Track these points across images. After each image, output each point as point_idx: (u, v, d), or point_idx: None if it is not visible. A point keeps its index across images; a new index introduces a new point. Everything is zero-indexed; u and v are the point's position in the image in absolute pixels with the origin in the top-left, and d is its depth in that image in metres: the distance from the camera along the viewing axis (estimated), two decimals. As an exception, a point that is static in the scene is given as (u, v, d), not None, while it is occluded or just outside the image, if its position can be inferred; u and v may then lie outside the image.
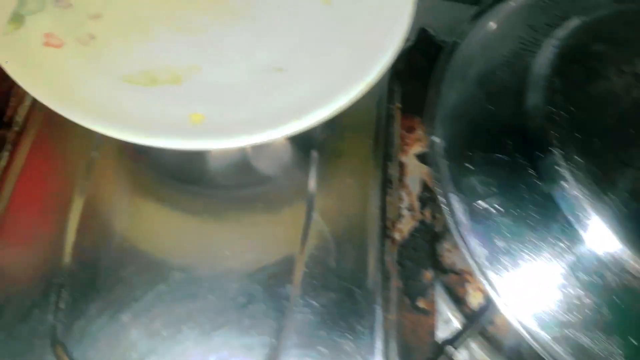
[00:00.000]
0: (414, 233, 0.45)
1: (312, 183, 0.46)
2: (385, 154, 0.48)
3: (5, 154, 0.43)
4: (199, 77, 0.40)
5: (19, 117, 0.45)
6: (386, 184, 0.47)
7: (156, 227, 0.43)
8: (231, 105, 0.39)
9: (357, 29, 0.43)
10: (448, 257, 0.44)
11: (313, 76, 0.41)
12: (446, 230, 0.42)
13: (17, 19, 0.39)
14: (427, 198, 0.47)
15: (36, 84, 0.37)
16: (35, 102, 0.44)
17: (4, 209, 0.41)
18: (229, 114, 0.39)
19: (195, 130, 0.37)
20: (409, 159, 0.49)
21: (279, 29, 0.42)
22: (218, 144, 0.36)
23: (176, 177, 0.45)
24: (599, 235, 0.33)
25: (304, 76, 0.41)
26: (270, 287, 0.41)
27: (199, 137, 0.36)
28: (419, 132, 0.50)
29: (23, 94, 0.45)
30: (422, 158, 0.49)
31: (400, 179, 0.47)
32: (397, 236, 0.45)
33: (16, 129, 0.44)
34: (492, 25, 0.43)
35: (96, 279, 0.40)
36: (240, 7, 0.43)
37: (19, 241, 0.41)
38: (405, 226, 0.45)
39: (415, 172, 0.48)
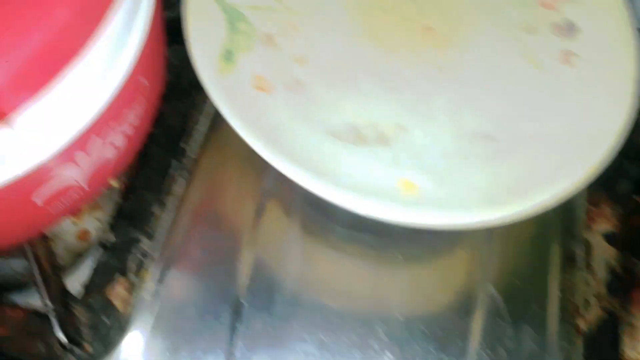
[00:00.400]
0: (600, 324, 0.42)
1: (487, 249, 0.42)
2: (566, 227, 0.45)
3: (182, 182, 0.41)
4: (406, 138, 0.37)
5: (192, 151, 0.43)
6: (568, 264, 0.43)
7: (327, 275, 0.40)
8: (441, 173, 0.36)
9: (574, 99, 0.39)
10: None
11: (528, 149, 0.38)
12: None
13: (228, 56, 0.36)
14: (616, 286, 0.43)
15: (247, 127, 0.35)
16: (208, 138, 0.42)
17: (182, 240, 0.39)
18: (440, 183, 0.36)
19: (407, 201, 0.34)
20: (595, 238, 0.45)
21: (487, 91, 0.39)
22: (434, 219, 0.33)
23: (348, 224, 0.43)
24: None
25: (517, 148, 0.38)
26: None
27: (412, 209, 0.33)
28: (606, 209, 0.46)
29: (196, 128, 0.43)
30: (609, 238, 0.45)
31: (586, 260, 0.44)
32: (581, 324, 0.41)
33: (193, 157, 0.43)
34: None
35: (269, 324, 0.38)
36: (446, 63, 0.40)
37: (192, 276, 0.39)
38: (591, 315, 0.42)
39: (602, 254, 0.44)
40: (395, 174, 0.36)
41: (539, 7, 0.43)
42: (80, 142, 0.31)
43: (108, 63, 0.30)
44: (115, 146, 0.34)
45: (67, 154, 0.31)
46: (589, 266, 0.43)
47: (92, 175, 0.33)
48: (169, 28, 0.38)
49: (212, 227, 0.40)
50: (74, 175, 0.32)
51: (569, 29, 0.42)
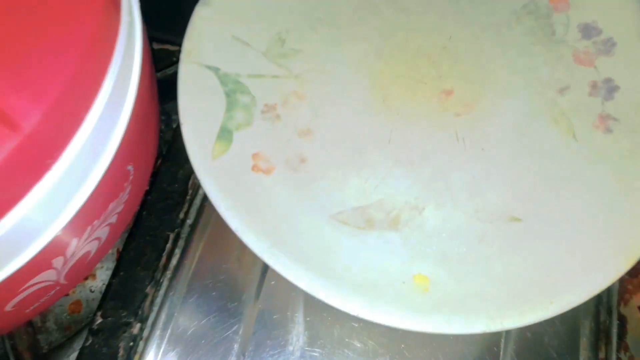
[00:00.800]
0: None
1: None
2: (599, 299, 0.40)
3: (179, 252, 0.38)
4: (420, 222, 0.33)
5: (190, 217, 0.40)
6: (601, 339, 0.39)
7: (329, 341, 0.37)
8: (458, 264, 0.32)
9: (612, 173, 0.35)
10: None
11: (558, 234, 0.33)
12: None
13: (225, 136, 0.33)
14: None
15: (240, 215, 0.32)
16: (205, 204, 0.39)
17: (178, 314, 0.37)
18: (455, 277, 0.32)
19: (419, 304, 0.30)
20: (631, 312, 0.40)
21: (513, 165, 0.35)
22: (453, 326, 0.30)
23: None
24: None
25: (545, 233, 0.33)
26: None
27: (424, 316, 0.30)
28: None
29: (195, 194, 0.40)
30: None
31: (620, 337, 0.39)
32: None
33: (190, 222, 0.39)
34: None
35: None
36: (467, 132, 0.36)
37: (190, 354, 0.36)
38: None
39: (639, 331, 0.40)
40: (406, 268, 0.32)
41: (574, 64, 0.38)
42: (58, 248, 0.28)
43: (89, 159, 0.27)
44: (97, 239, 0.31)
45: (43, 262, 0.28)
46: (623, 345, 0.39)
47: (70, 271, 0.30)
48: (169, 82, 0.35)
49: (211, 296, 0.37)
50: (50, 277, 0.29)
51: (607, 89, 0.37)
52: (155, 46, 0.42)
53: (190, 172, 0.39)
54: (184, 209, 0.38)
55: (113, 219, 0.32)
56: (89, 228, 0.30)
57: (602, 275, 0.32)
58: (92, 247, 0.31)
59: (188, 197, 0.39)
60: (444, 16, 0.39)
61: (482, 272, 0.32)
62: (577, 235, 0.33)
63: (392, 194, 0.34)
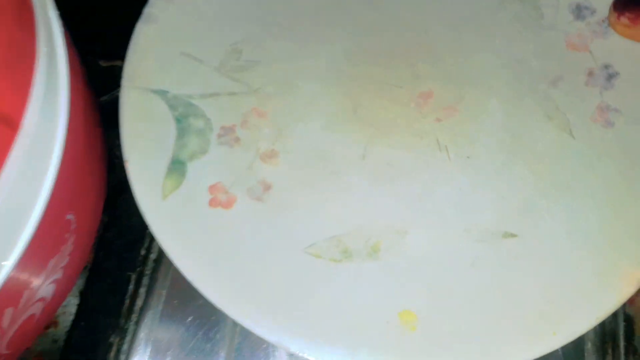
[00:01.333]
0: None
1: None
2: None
3: (142, 292, 0.35)
4: (404, 248, 0.30)
5: (154, 253, 0.36)
6: (607, 342, 0.35)
7: None
8: (452, 295, 0.29)
9: (618, 174, 0.31)
10: None
11: (561, 251, 0.30)
12: None
13: (177, 168, 0.30)
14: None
15: (197, 263, 0.28)
16: None
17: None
18: (451, 312, 0.28)
19: (412, 344, 0.27)
20: (638, 312, 0.37)
21: (505, 173, 0.32)
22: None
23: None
24: None
25: (548, 248, 0.30)
26: None
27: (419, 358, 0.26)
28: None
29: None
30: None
31: (628, 339, 0.36)
32: None
33: (153, 257, 0.36)
34: None
35: None
36: (452, 140, 0.32)
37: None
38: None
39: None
40: (389, 304, 0.29)
41: (567, 51, 0.34)
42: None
43: (15, 214, 0.23)
44: (40, 300, 0.28)
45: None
46: (630, 346, 0.35)
47: (12, 340, 0.27)
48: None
49: (184, 338, 0.34)
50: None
51: (605, 76, 0.33)
52: (104, 64, 0.38)
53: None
54: (145, 244, 0.35)
55: (58, 274, 0.29)
56: (26, 292, 0.26)
57: (611, 297, 0.28)
58: (36, 309, 0.28)
59: (149, 231, 0.35)
60: (419, 8, 0.35)
61: (475, 303, 0.29)
62: (581, 250, 0.30)
63: (371, 218, 0.31)
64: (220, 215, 0.30)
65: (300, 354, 0.27)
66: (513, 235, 0.30)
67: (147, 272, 0.34)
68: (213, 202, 0.30)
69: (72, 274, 0.30)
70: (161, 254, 0.35)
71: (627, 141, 0.32)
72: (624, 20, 0.32)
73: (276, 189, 0.31)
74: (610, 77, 0.33)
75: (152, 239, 0.35)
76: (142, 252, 0.34)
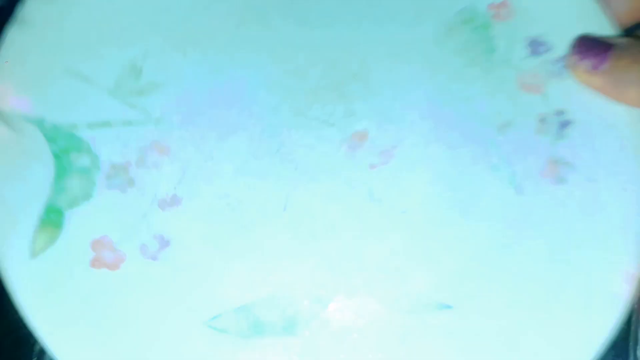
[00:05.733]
0: None
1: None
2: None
3: None
4: (326, 321, 0.26)
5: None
6: None
7: None
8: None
9: (567, 238, 0.29)
10: None
11: (500, 325, 0.28)
12: None
13: (52, 219, 0.24)
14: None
15: (72, 342, 0.24)
16: None
17: None
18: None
19: None
20: None
21: (442, 233, 0.28)
22: None
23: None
24: None
25: (486, 322, 0.28)
26: None
27: None
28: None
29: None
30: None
31: None
32: None
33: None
34: None
35: None
36: (384, 193, 0.29)
37: None
38: None
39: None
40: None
41: (519, 91, 0.30)
42: None
43: None
44: None
45: None
46: None
47: None
48: None
49: None
50: None
51: (559, 123, 0.30)
52: None
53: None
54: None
55: None
56: None
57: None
58: None
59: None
60: (356, 30, 0.30)
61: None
62: (522, 326, 0.27)
63: (288, 283, 0.27)
64: (104, 279, 0.25)
65: None
66: (448, 307, 0.27)
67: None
68: (96, 262, 0.25)
69: None
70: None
71: (579, 201, 0.29)
72: (585, 64, 0.29)
73: (175, 245, 0.26)
74: (564, 125, 0.30)
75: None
76: (38, 346, 0.28)
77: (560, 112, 0.30)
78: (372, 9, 0.31)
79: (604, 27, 0.31)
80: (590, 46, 0.29)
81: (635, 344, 0.32)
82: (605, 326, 0.28)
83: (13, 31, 0.27)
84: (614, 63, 0.28)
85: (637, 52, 0.28)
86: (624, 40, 0.29)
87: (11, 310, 0.25)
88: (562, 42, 0.31)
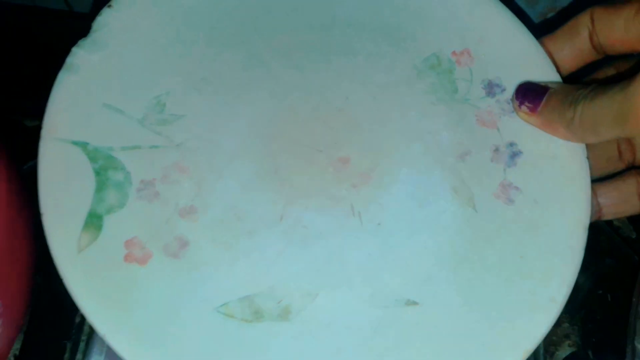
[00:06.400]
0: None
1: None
2: None
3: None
4: (314, 311, 0.31)
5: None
6: None
7: None
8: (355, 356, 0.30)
9: (512, 249, 0.33)
10: None
11: (458, 320, 0.32)
12: None
13: (94, 222, 0.30)
14: None
15: (109, 317, 0.29)
16: None
17: None
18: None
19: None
20: None
21: (411, 242, 0.34)
22: None
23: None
24: None
25: (445, 317, 0.32)
26: None
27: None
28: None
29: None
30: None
31: None
32: None
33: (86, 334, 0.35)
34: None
35: None
36: (364, 207, 0.34)
37: None
38: None
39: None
40: (297, 364, 0.30)
41: (476, 126, 0.36)
42: None
43: None
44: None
45: None
46: None
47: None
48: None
49: None
50: None
51: (510, 154, 0.35)
52: (30, 123, 0.37)
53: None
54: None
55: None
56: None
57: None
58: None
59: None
60: (341, 74, 0.36)
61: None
62: (474, 321, 0.32)
63: (284, 279, 0.32)
64: (135, 271, 0.30)
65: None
66: (415, 303, 0.32)
67: (84, 338, 0.34)
68: (128, 258, 0.30)
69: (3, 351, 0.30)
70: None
71: (524, 219, 0.34)
72: (524, 108, 0.35)
73: (192, 246, 0.32)
74: (514, 155, 0.36)
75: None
76: (77, 319, 0.34)
77: (511, 144, 0.36)
78: (355, 57, 0.37)
79: (548, 72, 0.37)
80: (527, 92, 0.35)
81: (634, 335, 0.36)
82: (544, 323, 0.33)
83: (62, 76, 0.32)
84: (545, 105, 0.34)
85: (565, 95, 0.33)
86: (557, 85, 0.35)
87: (58, 292, 0.30)
88: (514, 84, 0.37)
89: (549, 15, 0.45)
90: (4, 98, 0.27)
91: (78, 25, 0.34)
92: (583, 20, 0.34)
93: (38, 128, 0.30)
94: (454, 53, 0.37)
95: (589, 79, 0.37)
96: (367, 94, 0.36)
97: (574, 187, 0.35)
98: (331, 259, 0.32)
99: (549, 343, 0.42)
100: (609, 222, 0.46)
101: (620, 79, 0.30)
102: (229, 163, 0.33)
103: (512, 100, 0.36)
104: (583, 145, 0.35)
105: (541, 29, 0.38)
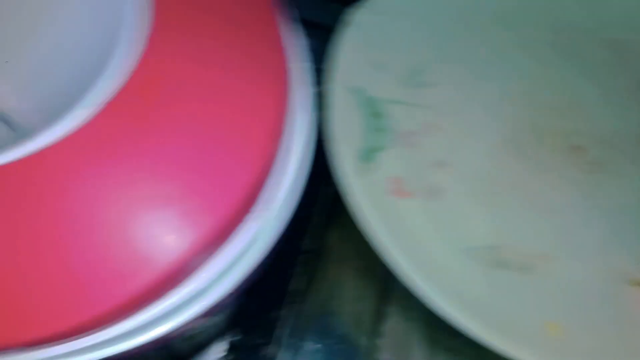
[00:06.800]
0: None
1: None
2: None
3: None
4: (552, 270, 0.33)
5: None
6: None
7: None
8: (592, 319, 0.32)
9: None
10: None
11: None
12: None
13: (367, 156, 0.33)
14: None
15: (380, 234, 0.31)
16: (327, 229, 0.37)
17: None
18: (589, 332, 0.31)
19: (549, 347, 0.30)
20: None
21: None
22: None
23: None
24: None
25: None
26: None
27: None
28: None
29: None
30: None
31: None
32: None
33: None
34: None
35: None
36: (596, 192, 0.36)
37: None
38: None
39: None
40: (540, 313, 0.31)
41: None
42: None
43: None
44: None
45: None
46: None
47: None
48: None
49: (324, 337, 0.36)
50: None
51: None
52: None
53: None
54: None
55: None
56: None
57: None
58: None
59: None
60: (578, 72, 0.39)
61: (614, 328, 0.32)
62: None
63: (526, 239, 0.34)
64: (397, 203, 0.33)
65: (455, 324, 0.30)
66: None
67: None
68: (393, 192, 0.33)
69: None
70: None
71: None
72: None
73: (446, 193, 0.34)
74: None
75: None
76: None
77: None
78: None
79: None
80: None
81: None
82: None
83: (344, 31, 0.37)
84: None
85: None
86: None
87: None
88: None
89: None
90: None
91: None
92: None
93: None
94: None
95: None
96: (599, 94, 0.39)
97: None
98: (568, 231, 0.35)
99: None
100: None
101: None
102: (475, 131, 0.37)
103: None
104: None
105: None
